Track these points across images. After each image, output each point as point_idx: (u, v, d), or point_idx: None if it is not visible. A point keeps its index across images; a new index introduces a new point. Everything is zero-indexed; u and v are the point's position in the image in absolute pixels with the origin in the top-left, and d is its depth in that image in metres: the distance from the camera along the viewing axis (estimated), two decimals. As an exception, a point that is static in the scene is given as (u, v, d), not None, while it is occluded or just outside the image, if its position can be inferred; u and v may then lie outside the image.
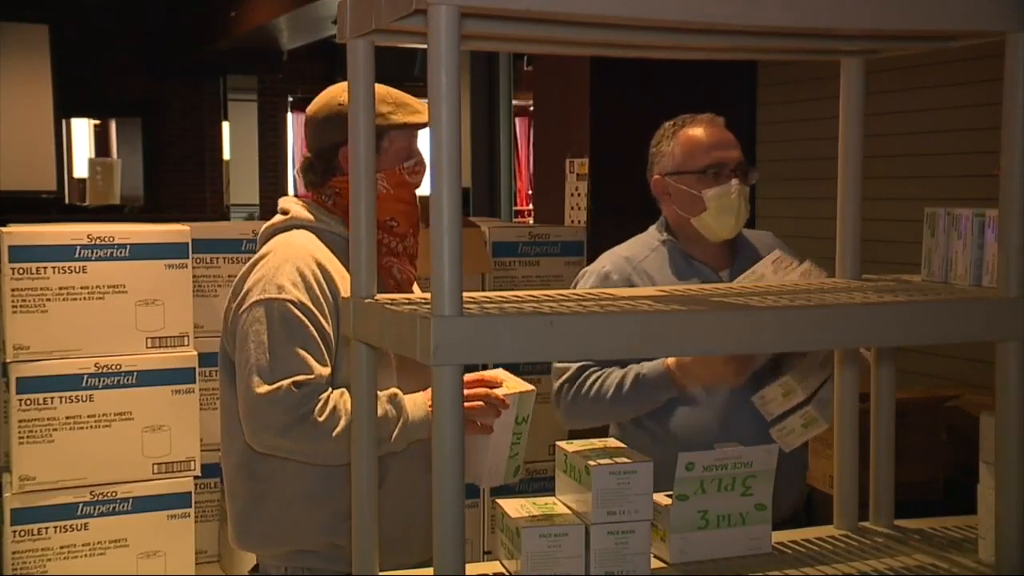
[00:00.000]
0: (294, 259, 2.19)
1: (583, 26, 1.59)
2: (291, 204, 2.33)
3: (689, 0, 1.40)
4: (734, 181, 2.40)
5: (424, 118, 2.25)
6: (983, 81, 3.71)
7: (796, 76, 4.53)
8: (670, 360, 2.30)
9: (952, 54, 3.29)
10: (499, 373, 2.18)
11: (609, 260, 2.52)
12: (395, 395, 2.15)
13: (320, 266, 2.20)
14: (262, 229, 2.34)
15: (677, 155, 2.48)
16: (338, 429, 2.09)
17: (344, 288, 2.18)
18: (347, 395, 2.12)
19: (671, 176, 2.49)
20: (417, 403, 2.17)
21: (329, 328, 2.17)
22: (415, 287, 2.37)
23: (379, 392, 2.11)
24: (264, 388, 2.09)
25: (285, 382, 2.09)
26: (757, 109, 4.84)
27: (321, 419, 2.09)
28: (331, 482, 2.18)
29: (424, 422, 2.15)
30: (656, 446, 2.29)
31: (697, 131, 2.48)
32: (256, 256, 2.27)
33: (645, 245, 2.53)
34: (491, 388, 2.13)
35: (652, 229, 2.56)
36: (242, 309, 2.19)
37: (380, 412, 2.10)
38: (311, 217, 2.28)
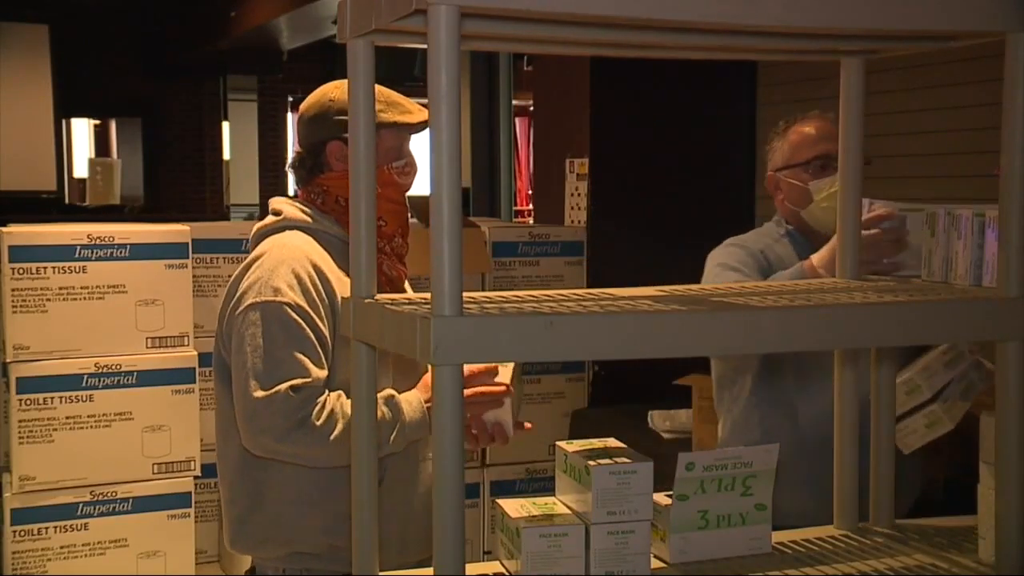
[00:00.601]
0: (289, 261, 2.19)
1: (583, 26, 1.59)
2: (283, 205, 2.32)
3: (689, 0, 1.40)
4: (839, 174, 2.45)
5: (414, 119, 2.25)
6: (983, 81, 3.71)
7: (796, 76, 4.52)
8: (815, 260, 2.26)
9: (952, 54, 3.29)
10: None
11: (735, 239, 2.58)
12: (391, 396, 2.15)
13: (315, 267, 2.19)
14: (254, 230, 2.34)
15: (786, 150, 2.57)
16: (336, 432, 2.08)
17: (340, 289, 2.18)
18: (344, 397, 2.12)
19: (781, 171, 2.57)
20: (413, 404, 2.16)
21: (326, 330, 2.17)
22: (407, 286, 2.38)
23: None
24: (261, 393, 2.08)
25: (282, 386, 2.08)
26: (757, 109, 4.83)
27: (319, 423, 2.08)
28: (329, 483, 2.17)
29: (422, 422, 2.15)
30: (783, 429, 2.41)
31: (806, 127, 2.56)
32: (250, 258, 2.26)
33: (768, 235, 2.59)
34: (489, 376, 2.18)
35: (770, 224, 2.63)
36: (238, 312, 2.18)
37: (377, 415, 2.10)
38: (305, 218, 2.28)
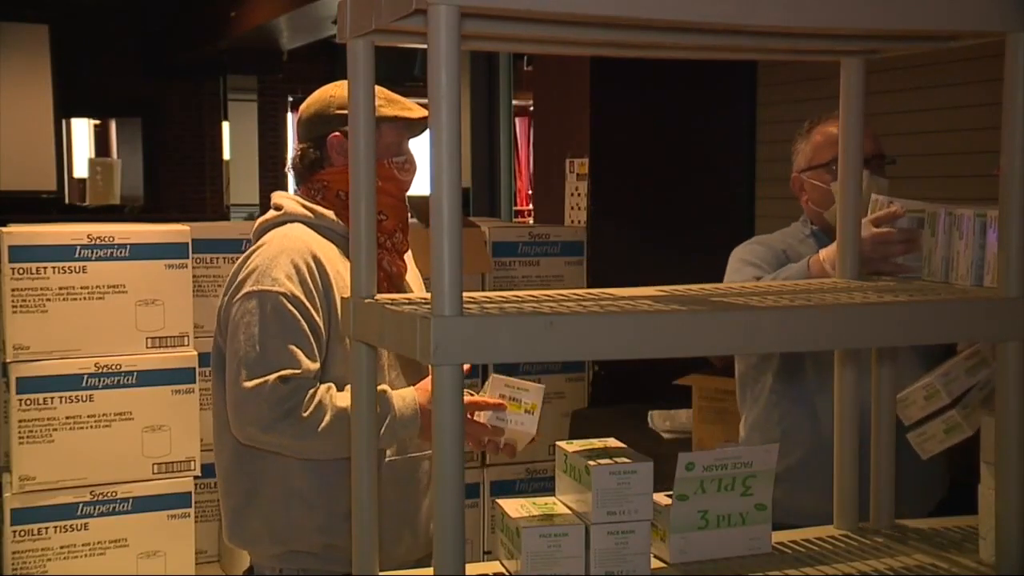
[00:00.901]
0: (290, 251, 2.20)
1: (583, 26, 1.59)
2: (284, 199, 2.33)
3: (689, 0, 1.40)
4: (863, 172, 2.41)
5: (414, 115, 2.27)
6: (983, 81, 3.71)
7: (796, 76, 4.53)
8: (823, 255, 2.24)
9: (952, 54, 3.29)
10: (501, 381, 2.19)
11: (760, 237, 2.59)
12: (383, 392, 2.15)
13: (315, 258, 2.20)
14: (256, 224, 2.35)
15: (808, 152, 2.56)
16: (323, 424, 2.08)
17: (337, 283, 2.19)
18: (334, 390, 2.13)
19: (805, 172, 2.56)
20: (406, 400, 2.16)
21: (321, 322, 2.17)
22: (417, 282, 2.38)
23: None
24: (250, 382, 2.09)
25: (271, 377, 2.09)
26: (757, 109, 4.83)
27: (305, 414, 2.08)
28: (326, 482, 2.17)
29: (412, 420, 2.15)
30: (803, 428, 2.42)
31: (829, 127, 2.53)
32: (252, 248, 2.27)
33: (793, 236, 2.59)
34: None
35: (796, 224, 2.62)
36: (235, 299, 2.19)
37: None
38: (306, 212, 2.29)
